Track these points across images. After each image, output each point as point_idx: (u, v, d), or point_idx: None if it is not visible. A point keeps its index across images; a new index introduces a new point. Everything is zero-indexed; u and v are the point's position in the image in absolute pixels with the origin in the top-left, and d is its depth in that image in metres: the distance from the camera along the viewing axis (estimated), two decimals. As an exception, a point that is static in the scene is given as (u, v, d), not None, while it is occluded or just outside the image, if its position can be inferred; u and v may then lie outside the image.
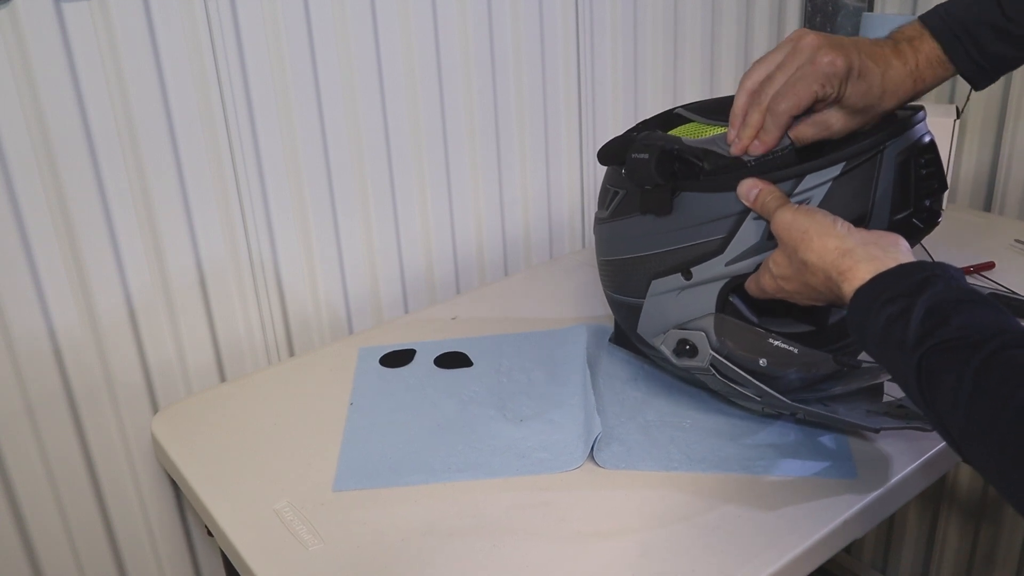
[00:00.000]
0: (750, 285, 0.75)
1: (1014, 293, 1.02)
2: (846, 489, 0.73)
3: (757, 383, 0.76)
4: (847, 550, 1.66)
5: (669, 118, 0.89)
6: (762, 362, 0.75)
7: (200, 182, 0.92)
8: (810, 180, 0.71)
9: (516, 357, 0.97)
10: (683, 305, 0.78)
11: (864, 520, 0.72)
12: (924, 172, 0.74)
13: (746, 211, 0.73)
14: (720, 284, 0.76)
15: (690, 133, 0.86)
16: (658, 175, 0.75)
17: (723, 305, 0.76)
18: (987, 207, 1.35)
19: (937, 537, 1.54)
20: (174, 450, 0.86)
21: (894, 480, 0.75)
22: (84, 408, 0.91)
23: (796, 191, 0.72)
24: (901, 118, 0.75)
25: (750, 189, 0.72)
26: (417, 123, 1.07)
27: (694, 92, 1.34)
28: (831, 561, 0.81)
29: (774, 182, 0.72)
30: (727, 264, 0.75)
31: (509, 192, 1.18)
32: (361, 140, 1.03)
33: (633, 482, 0.77)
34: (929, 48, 0.76)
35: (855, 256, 0.63)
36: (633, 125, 0.87)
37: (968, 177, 1.36)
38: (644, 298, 0.81)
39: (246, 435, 0.87)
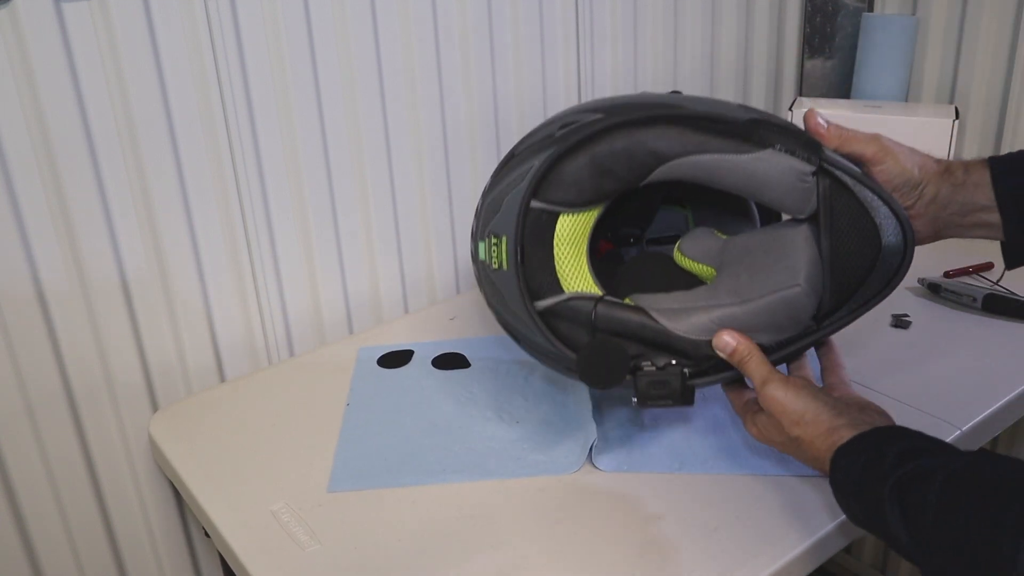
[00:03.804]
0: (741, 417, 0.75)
1: (1012, 293, 1.02)
2: (846, 489, 0.73)
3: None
4: (847, 550, 1.66)
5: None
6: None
7: (200, 182, 0.92)
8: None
9: (514, 359, 0.97)
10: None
11: (864, 520, 0.72)
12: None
13: None
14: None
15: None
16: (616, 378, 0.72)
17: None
18: (987, 207, 1.35)
19: (937, 537, 1.53)
20: (171, 451, 0.86)
21: (894, 480, 0.75)
22: (84, 408, 0.91)
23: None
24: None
25: (727, 343, 0.71)
26: (417, 123, 1.07)
27: (693, 91, 1.34)
28: (831, 561, 0.81)
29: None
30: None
31: (509, 192, 1.18)
32: (361, 140, 1.03)
33: (631, 483, 0.77)
34: (979, 172, 0.75)
35: (842, 433, 0.65)
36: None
37: (968, 177, 1.36)
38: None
39: (245, 435, 0.87)
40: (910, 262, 0.71)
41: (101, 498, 0.95)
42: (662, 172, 0.70)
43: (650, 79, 1.28)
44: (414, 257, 1.12)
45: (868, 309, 0.72)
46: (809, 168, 0.69)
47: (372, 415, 0.88)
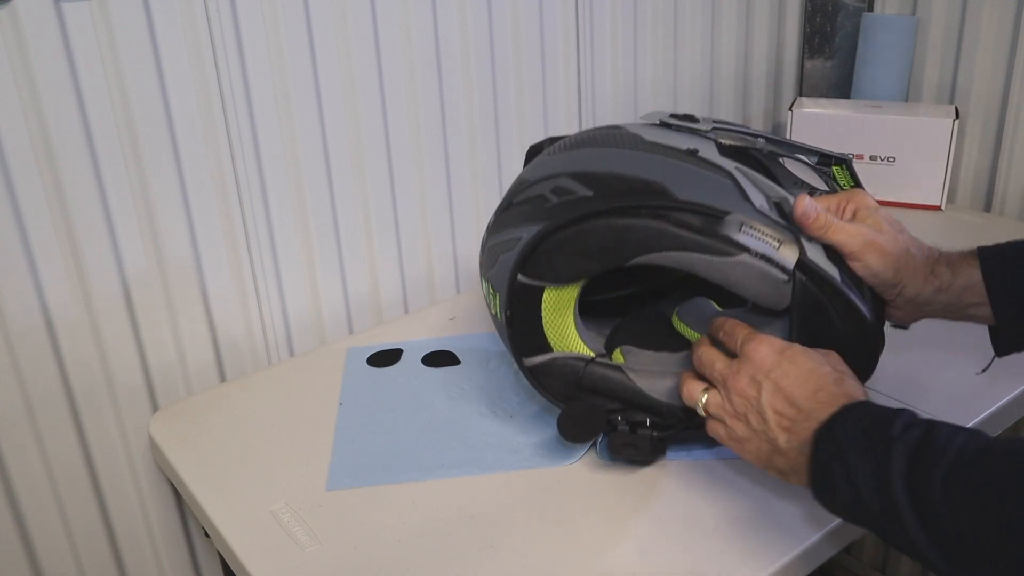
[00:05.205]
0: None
1: (1014, 293, 1.01)
2: (846, 489, 0.73)
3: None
4: (847, 550, 1.66)
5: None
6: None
7: (200, 182, 0.92)
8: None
9: (504, 354, 0.97)
10: None
11: (864, 520, 0.72)
12: None
13: None
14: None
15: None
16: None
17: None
18: (987, 207, 1.35)
19: (937, 537, 1.53)
20: (171, 451, 0.86)
21: (894, 480, 0.75)
22: (84, 408, 0.91)
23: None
24: None
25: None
26: (417, 123, 1.07)
27: (694, 91, 1.34)
28: (831, 561, 0.81)
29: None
30: None
31: (509, 192, 1.18)
32: (361, 140, 1.03)
33: (632, 480, 0.77)
34: (967, 270, 0.74)
35: (838, 390, 0.63)
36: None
37: (968, 177, 1.36)
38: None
39: (245, 435, 0.87)
40: (875, 366, 0.73)
41: (101, 498, 0.95)
42: (643, 259, 0.73)
43: (650, 79, 1.28)
44: (414, 257, 1.12)
45: None
46: (782, 277, 0.69)
47: (366, 414, 0.89)
